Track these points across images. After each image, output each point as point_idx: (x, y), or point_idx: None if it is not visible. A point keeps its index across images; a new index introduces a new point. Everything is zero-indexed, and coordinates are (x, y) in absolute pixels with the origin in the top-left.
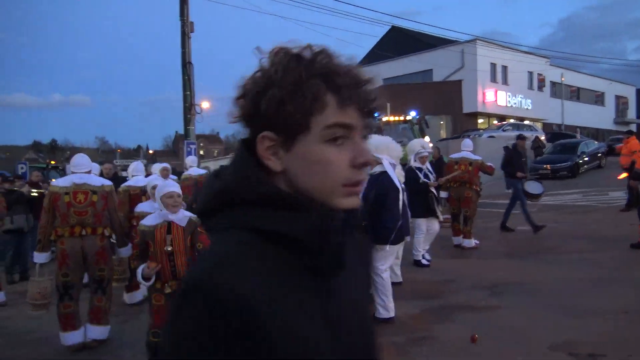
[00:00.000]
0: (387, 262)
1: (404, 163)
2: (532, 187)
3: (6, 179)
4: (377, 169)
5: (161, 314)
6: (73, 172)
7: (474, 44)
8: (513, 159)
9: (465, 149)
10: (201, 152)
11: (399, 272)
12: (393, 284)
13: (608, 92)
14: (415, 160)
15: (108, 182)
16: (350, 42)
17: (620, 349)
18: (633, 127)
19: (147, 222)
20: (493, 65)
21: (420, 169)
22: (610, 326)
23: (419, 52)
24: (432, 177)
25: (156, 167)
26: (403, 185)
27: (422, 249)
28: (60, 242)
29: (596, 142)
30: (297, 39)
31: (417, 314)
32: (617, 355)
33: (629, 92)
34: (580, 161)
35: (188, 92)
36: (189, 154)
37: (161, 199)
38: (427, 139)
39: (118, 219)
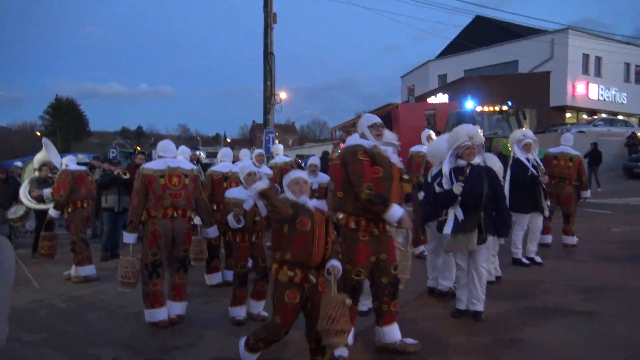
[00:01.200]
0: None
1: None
2: None
3: (112, 162)
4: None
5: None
6: (160, 157)
7: (566, 33)
8: None
9: (565, 144)
10: (277, 142)
11: (493, 270)
12: (488, 283)
13: None
14: (522, 151)
15: (195, 167)
16: (431, 32)
17: None
18: None
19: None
20: (585, 56)
21: (528, 160)
22: None
23: (504, 43)
24: (540, 170)
25: (245, 154)
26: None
27: (521, 247)
28: (152, 223)
29: None
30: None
31: (504, 314)
32: None
33: None
34: None
35: (269, 82)
36: (267, 142)
37: (288, 186)
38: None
39: (204, 201)
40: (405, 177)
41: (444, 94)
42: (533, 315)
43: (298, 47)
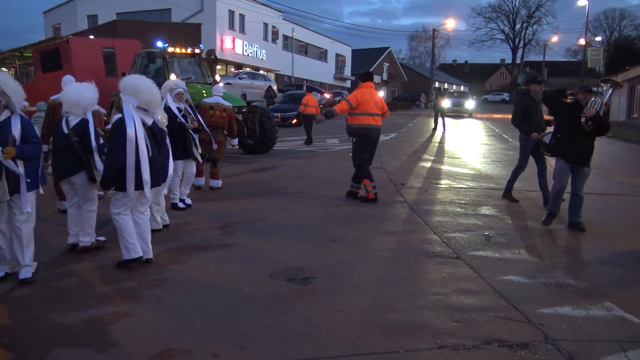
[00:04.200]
0: (122, 207)
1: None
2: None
3: None
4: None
5: None
6: None
7: None
8: (529, 109)
9: (217, 94)
10: None
11: (159, 218)
12: (153, 230)
13: (330, 50)
14: (173, 100)
15: None
16: None
17: (327, 271)
18: (348, 83)
19: None
20: (231, 13)
21: (179, 109)
22: (321, 253)
23: None
24: (189, 118)
25: None
26: (165, 128)
27: (178, 192)
28: None
29: (320, 95)
30: None
31: (153, 257)
32: (325, 276)
33: (346, 52)
34: None
35: None
36: None
37: None
38: (217, 77)
39: None
40: None
41: (95, 36)
42: (178, 254)
43: None
